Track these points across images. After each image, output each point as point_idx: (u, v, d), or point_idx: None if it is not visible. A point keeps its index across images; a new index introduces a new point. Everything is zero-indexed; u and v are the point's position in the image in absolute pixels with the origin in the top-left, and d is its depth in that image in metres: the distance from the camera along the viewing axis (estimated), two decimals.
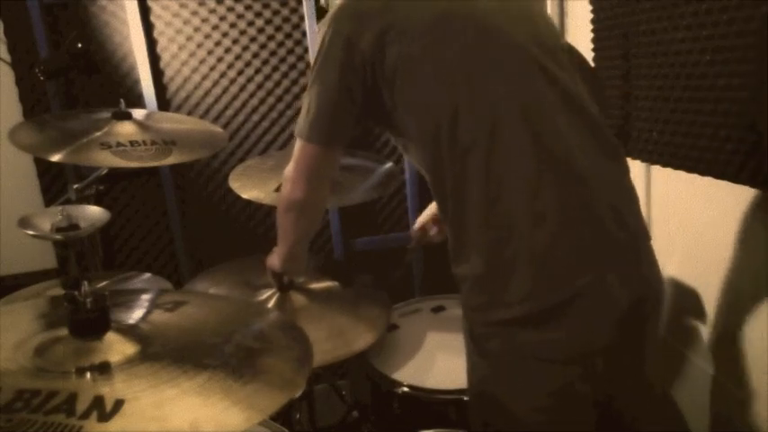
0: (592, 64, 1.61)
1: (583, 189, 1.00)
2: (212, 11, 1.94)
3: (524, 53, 1.02)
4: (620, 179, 1.08)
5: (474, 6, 1.03)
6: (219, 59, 1.98)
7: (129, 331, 0.85)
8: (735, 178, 1.18)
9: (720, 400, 1.47)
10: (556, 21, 1.92)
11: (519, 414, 1.05)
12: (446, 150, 1.02)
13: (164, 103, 1.98)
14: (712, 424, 1.52)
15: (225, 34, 1.96)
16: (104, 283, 1.66)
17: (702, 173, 1.27)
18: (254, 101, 2.03)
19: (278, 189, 1.53)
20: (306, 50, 1.99)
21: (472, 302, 1.07)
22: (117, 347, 0.81)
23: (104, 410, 0.68)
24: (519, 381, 1.05)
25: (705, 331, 1.51)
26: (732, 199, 1.33)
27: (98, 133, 1.42)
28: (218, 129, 1.72)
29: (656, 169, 1.55)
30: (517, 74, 1.01)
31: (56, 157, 1.33)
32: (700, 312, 1.51)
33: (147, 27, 1.91)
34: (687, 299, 1.55)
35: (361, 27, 1.02)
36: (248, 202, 1.96)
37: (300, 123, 1.14)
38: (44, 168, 1.94)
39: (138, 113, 1.56)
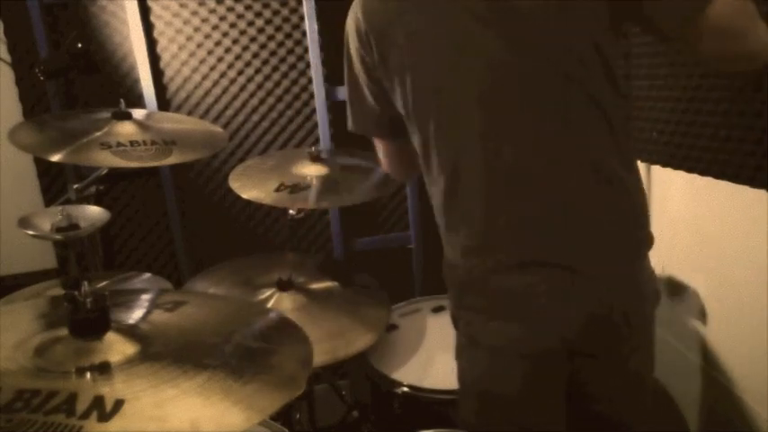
0: None
1: (563, 232, 1.00)
2: (212, 11, 1.94)
3: (512, 83, 0.97)
4: (620, 199, 1.04)
5: (466, 19, 0.96)
6: (219, 59, 1.98)
7: (129, 331, 0.85)
8: (735, 178, 1.18)
9: (720, 401, 1.47)
10: None
11: (472, 398, 1.12)
12: (425, 170, 1.09)
13: (164, 103, 1.98)
14: (712, 424, 1.53)
15: (225, 34, 1.96)
16: (104, 283, 1.66)
17: (702, 173, 1.27)
18: (254, 101, 2.03)
19: (278, 189, 1.53)
20: (306, 50, 1.99)
21: (447, 284, 1.16)
22: (117, 347, 0.81)
23: (104, 410, 0.68)
24: (478, 364, 1.11)
25: (705, 331, 1.51)
26: (732, 199, 1.34)
27: (98, 133, 1.42)
28: (218, 129, 1.72)
29: (656, 169, 1.55)
30: (490, 117, 0.99)
31: (56, 157, 1.33)
32: (700, 312, 1.51)
33: (147, 27, 1.91)
34: (687, 299, 1.55)
35: (369, 34, 1.05)
36: (248, 202, 1.95)
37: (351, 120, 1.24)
38: (44, 168, 1.94)
39: (138, 113, 1.56)
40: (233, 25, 1.96)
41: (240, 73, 2.00)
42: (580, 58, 0.96)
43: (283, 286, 1.61)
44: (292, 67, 2.02)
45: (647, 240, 1.08)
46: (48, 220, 1.43)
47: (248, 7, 1.95)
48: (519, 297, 1.02)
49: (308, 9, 1.93)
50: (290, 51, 2.00)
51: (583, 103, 0.98)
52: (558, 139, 0.98)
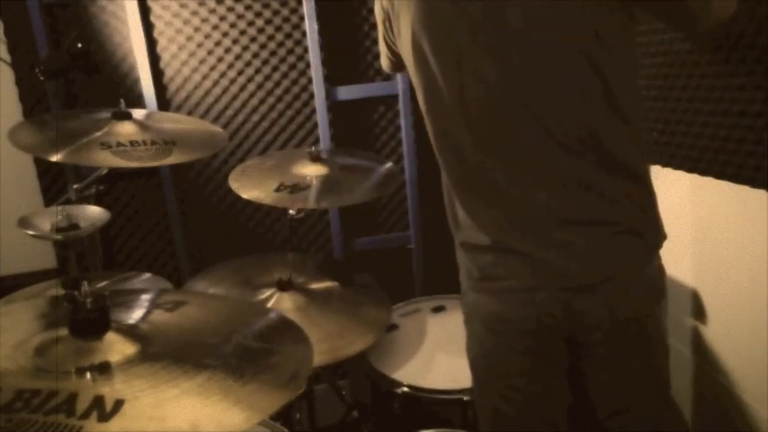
0: None
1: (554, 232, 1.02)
2: (212, 11, 1.94)
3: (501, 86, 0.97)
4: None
5: (463, 13, 0.96)
6: (219, 59, 1.98)
7: (129, 331, 0.85)
8: (735, 178, 1.18)
9: (720, 401, 1.47)
10: None
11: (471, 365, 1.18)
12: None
13: (164, 103, 1.98)
14: (712, 424, 1.53)
15: (225, 34, 1.96)
16: (104, 283, 1.66)
17: (702, 173, 1.27)
18: (254, 101, 2.03)
19: (278, 189, 1.53)
20: (306, 50, 1.99)
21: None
22: (117, 347, 0.80)
23: (104, 410, 0.68)
24: (473, 336, 1.16)
25: (705, 331, 1.51)
26: (732, 199, 1.34)
27: (98, 133, 1.42)
28: (218, 129, 1.72)
29: (656, 169, 1.55)
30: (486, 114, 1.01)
31: (56, 157, 1.33)
32: (699, 312, 1.51)
33: (147, 27, 1.91)
34: (687, 299, 1.55)
35: (388, 13, 1.11)
36: (248, 202, 1.96)
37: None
38: (44, 168, 1.94)
39: (138, 113, 1.56)
40: (233, 25, 1.96)
41: (240, 73, 2.00)
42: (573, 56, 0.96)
43: (283, 286, 1.61)
44: (292, 67, 2.02)
45: (656, 242, 1.08)
46: (48, 220, 1.43)
47: (248, 7, 1.95)
48: (503, 278, 1.06)
49: (308, 9, 1.93)
50: (290, 51, 2.00)
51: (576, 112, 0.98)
52: (550, 155, 0.99)
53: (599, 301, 1.03)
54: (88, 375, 0.75)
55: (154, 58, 1.93)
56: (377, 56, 2.06)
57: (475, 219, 1.06)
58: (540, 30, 0.93)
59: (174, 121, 1.68)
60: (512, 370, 1.09)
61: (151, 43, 1.92)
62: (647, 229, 1.06)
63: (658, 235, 1.08)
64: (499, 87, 0.97)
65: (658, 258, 1.10)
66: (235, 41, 1.97)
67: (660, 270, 1.11)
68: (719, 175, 1.22)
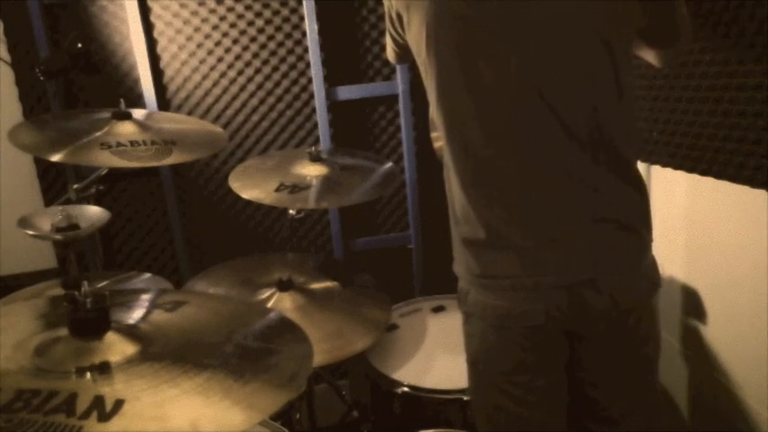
0: None
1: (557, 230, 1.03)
2: (212, 11, 1.94)
3: (515, 83, 0.98)
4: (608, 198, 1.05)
5: (477, 13, 0.97)
6: (219, 59, 1.98)
7: (129, 331, 0.85)
8: (735, 178, 1.18)
9: (720, 401, 1.47)
10: None
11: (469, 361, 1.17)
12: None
13: (164, 103, 1.98)
14: (713, 424, 1.53)
15: (225, 34, 1.96)
16: (104, 283, 1.66)
17: (702, 173, 1.27)
18: (254, 101, 2.03)
19: (278, 189, 1.53)
20: (306, 50, 1.99)
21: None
22: (117, 347, 0.81)
23: (104, 410, 0.68)
24: (474, 335, 1.14)
25: (705, 331, 1.51)
26: (732, 199, 1.34)
27: (98, 133, 1.42)
28: (218, 129, 1.72)
29: (656, 169, 1.55)
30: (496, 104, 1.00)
31: (56, 157, 1.33)
32: (700, 312, 1.51)
33: (147, 27, 1.91)
34: (687, 299, 1.55)
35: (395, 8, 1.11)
36: (248, 202, 1.96)
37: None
38: (44, 168, 1.94)
39: (138, 113, 1.56)
40: (233, 25, 1.96)
41: (240, 73, 2.00)
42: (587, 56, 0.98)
43: (283, 286, 1.62)
44: (292, 67, 2.02)
45: (649, 240, 1.10)
46: (48, 220, 1.43)
47: (248, 7, 1.95)
48: (505, 274, 1.06)
49: (308, 9, 1.93)
50: (290, 51, 2.00)
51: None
52: (559, 149, 1.00)
53: (603, 294, 1.04)
54: (88, 375, 0.75)
55: (154, 58, 1.93)
56: (377, 56, 2.06)
57: (477, 214, 1.05)
58: (564, 17, 0.95)
59: (174, 121, 1.68)
60: (515, 366, 1.09)
61: (151, 43, 1.92)
62: (643, 228, 1.09)
63: (650, 233, 1.11)
64: (517, 78, 0.97)
65: (651, 251, 1.12)
66: (235, 41, 1.97)
67: (654, 262, 1.13)
68: (719, 175, 1.22)
